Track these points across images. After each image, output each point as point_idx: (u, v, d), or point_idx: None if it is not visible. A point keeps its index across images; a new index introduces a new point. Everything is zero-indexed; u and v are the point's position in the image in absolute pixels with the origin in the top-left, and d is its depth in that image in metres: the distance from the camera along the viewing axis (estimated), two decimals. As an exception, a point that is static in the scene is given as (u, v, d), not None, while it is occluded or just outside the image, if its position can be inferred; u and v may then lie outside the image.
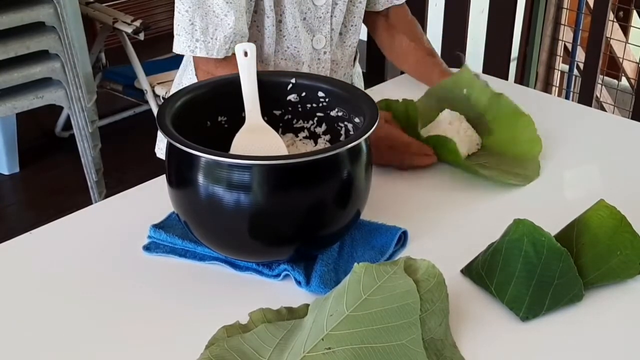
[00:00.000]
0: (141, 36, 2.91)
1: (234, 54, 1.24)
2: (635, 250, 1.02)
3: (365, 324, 0.86)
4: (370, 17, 1.60)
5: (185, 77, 1.50)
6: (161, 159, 1.49)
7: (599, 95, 2.97)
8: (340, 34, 1.49)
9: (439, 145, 1.30)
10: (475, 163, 1.30)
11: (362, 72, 1.69)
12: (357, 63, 1.63)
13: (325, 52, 1.47)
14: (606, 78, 3.03)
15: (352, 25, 1.50)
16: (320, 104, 1.14)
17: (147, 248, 1.10)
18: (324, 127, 1.16)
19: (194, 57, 1.34)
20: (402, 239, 1.10)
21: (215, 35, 1.29)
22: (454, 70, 1.52)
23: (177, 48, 1.31)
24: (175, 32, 1.30)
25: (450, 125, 1.33)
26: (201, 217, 1.01)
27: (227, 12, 1.27)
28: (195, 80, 1.43)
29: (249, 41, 1.37)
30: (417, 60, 1.56)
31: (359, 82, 1.65)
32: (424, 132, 1.34)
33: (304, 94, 1.15)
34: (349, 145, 0.97)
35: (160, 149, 1.59)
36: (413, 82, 1.57)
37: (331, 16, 1.43)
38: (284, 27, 1.39)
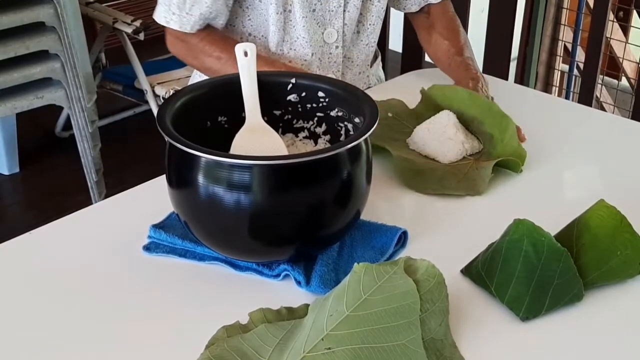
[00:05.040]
0: (141, 36, 2.91)
1: (206, 27, 1.40)
2: (635, 250, 1.02)
3: (365, 324, 0.86)
4: (412, 18, 1.62)
5: None
6: None
7: (599, 95, 2.97)
8: (359, 32, 1.51)
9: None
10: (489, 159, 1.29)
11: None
12: (379, 67, 1.63)
13: (337, 47, 1.48)
14: (606, 78, 3.03)
15: (369, 24, 1.51)
16: (320, 104, 1.14)
17: (147, 248, 1.10)
18: (324, 127, 1.16)
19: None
20: (402, 239, 1.10)
21: (191, 12, 1.37)
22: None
23: (155, 16, 1.41)
24: (158, 1, 1.39)
25: (450, 123, 1.32)
26: (201, 217, 1.01)
27: None
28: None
29: (253, 31, 1.43)
30: (448, 59, 1.54)
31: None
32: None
33: (304, 94, 1.15)
34: (349, 145, 0.97)
35: None
36: (413, 83, 1.57)
37: (344, 10, 1.45)
38: (293, 17, 1.42)
